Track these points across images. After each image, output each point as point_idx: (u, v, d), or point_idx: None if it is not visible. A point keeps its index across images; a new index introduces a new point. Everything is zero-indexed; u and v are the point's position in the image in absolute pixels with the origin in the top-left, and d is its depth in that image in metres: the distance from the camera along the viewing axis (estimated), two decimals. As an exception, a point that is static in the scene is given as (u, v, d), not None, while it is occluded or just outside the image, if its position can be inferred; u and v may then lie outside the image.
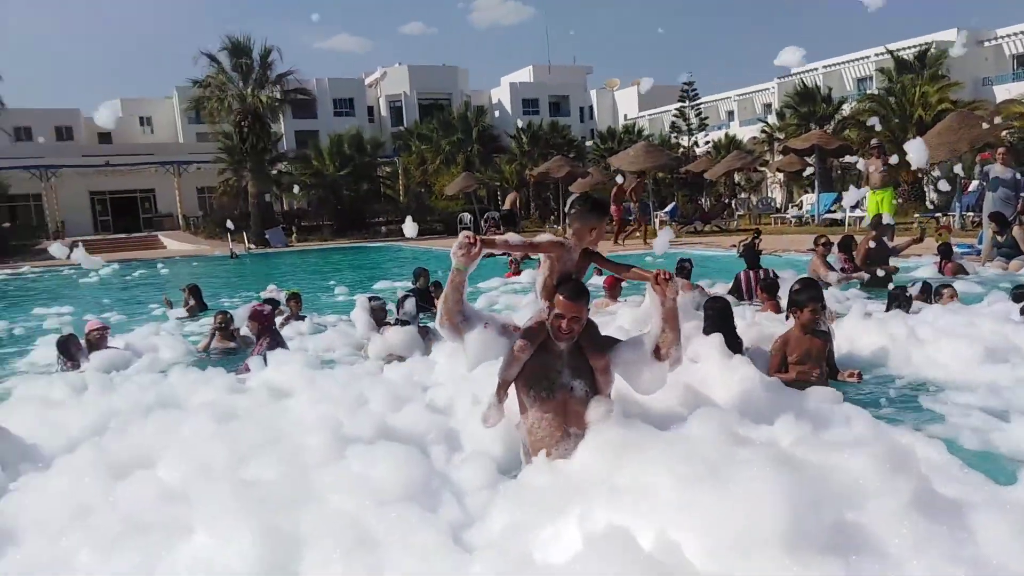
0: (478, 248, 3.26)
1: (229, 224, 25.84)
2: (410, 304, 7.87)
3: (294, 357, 6.07)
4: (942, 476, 2.96)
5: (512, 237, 3.58)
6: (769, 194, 36.36)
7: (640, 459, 2.85)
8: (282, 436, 3.86)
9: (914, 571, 2.31)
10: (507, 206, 29.21)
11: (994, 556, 2.36)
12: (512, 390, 3.57)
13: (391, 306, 8.52)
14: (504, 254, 3.57)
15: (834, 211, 21.70)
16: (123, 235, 37.59)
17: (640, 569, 2.23)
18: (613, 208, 19.92)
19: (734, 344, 5.41)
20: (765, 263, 9.92)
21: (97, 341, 7.38)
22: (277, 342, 6.93)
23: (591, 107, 59.83)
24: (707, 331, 5.47)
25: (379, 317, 7.71)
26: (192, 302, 11.39)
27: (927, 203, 23.43)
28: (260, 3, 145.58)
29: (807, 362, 5.31)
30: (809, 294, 5.52)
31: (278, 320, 8.33)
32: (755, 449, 2.84)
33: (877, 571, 2.30)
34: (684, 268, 8.93)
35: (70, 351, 7.08)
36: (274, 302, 9.22)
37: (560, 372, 3.43)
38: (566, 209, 3.71)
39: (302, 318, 8.98)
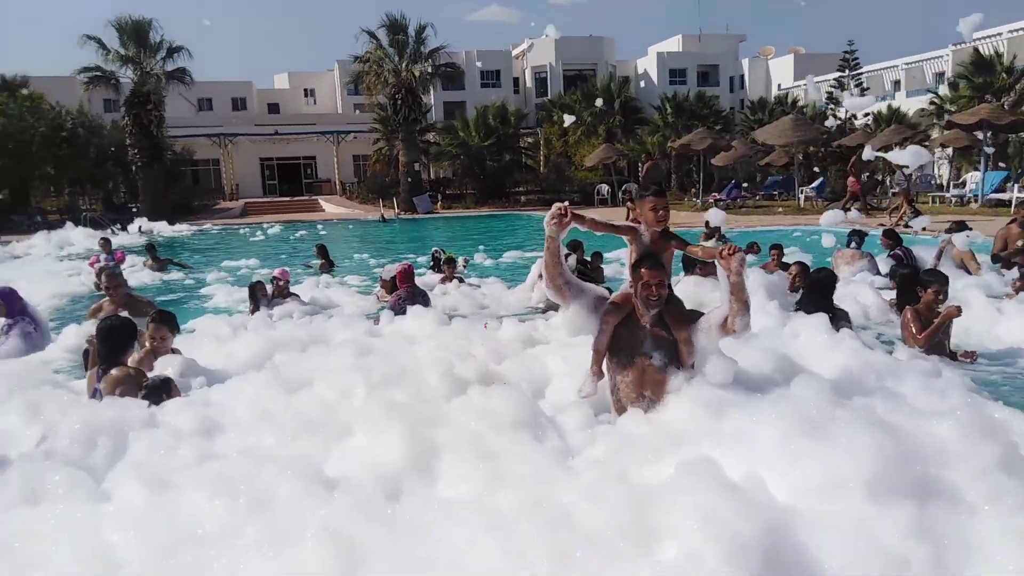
0: (568, 219, 3.73)
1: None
2: (571, 260, 8.54)
3: (426, 312, 6.87)
4: None
5: (598, 218, 4.09)
6: (936, 170, 33.71)
7: (739, 411, 3.18)
8: (408, 372, 4.58)
9: (986, 520, 2.54)
10: (644, 174, 29.13)
11: None
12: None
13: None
14: (589, 230, 4.00)
15: (1002, 191, 20.03)
16: (287, 198, 40.93)
17: (727, 496, 2.51)
18: (851, 180, 19.43)
19: (837, 318, 5.65)
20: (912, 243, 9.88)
21: (282, 288, 8.58)
22: (415, 297, 7.73)
23: (742, 77, 57.42)
24: (802, 304, 5.74)
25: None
26: (321, 260, 12.78)
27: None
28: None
29: (937, 335, 5.60)
30: (935, 276, 5.94)
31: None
32: (850, 409, 3.09)
33: (951, 519, 2.55)
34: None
35: (256, 296, 8.26)
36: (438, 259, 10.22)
37: (642, 342, 3.82)
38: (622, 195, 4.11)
39: (459, 278, 9.87)
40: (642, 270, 3.78)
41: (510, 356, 5.05)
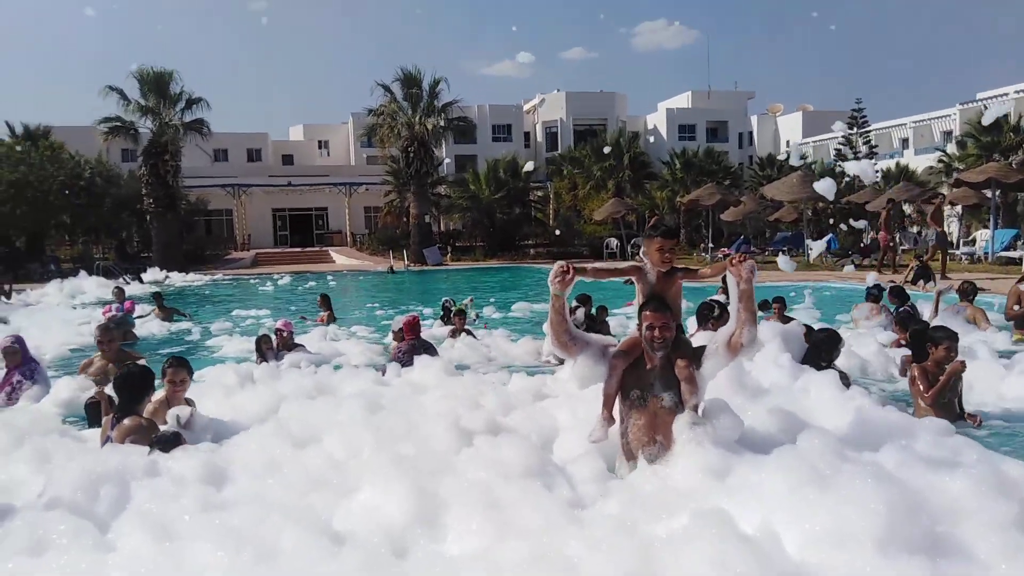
0: (571, 275, 3.77)
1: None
2: (580, 313, 8.54)
3: (433, 361, 6.85)
4: None
5: (599, 264, 4.12)
6: (946, 228, 33.78)
7: (749, 464, 3.16)
8: (416, 424, 4.56)
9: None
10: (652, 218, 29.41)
11: None
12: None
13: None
14: (594, 280, 4.05)
15: (1012, 249, 20.02)
16: (298, 248, 41.33)
17: (739, 547, 2.49)
18: (883, 234, 19.44)
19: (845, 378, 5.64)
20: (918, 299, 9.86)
21: (286, 339, 8.59)
22: (420, 349, 7.70)
23: (751, 133, 58.25)
24: (807, 359, 5.71)
25: None
26: (324, 311, 12.79)
27: None
28: (432, 34, 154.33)
29: (946, 394, 5.51)
30: (946, 333, 5.84)
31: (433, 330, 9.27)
32: (860, 463, 3.08)
33: (963, 573, 2.50)
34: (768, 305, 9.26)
35: (262, 350, 8.28)
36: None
37: (652, 384, 3.83)
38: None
39: (468, 330, 9.87)
40: (646, 312, 3.82)
41: (518, 408, 5.02)
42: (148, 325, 12.79)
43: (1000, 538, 2.62)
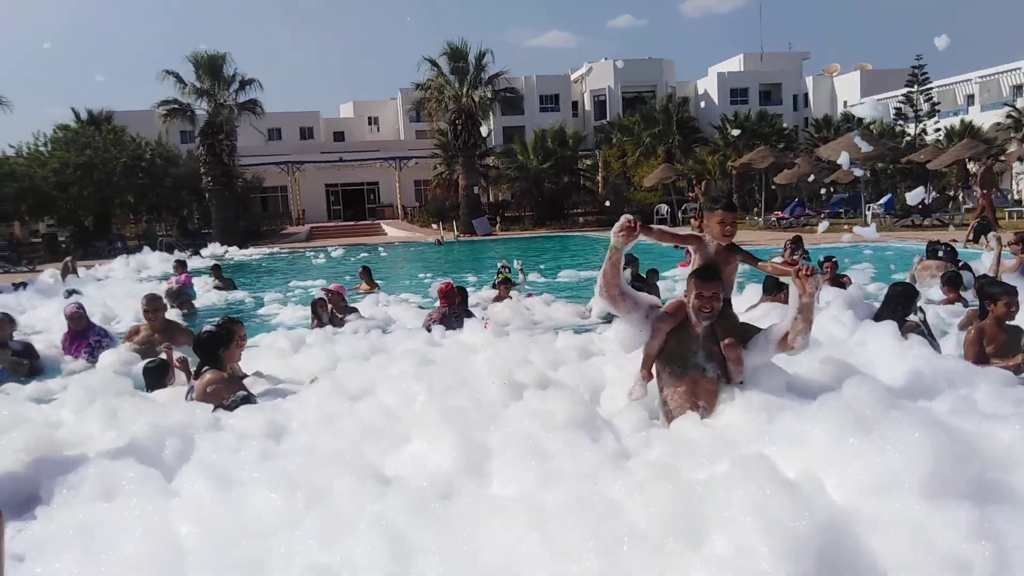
0: (636, 231, 3.77)
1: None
2: (627, 273, 8.56)
3: (479, 323, 6.97)
4: None
5: (665, 229, 4.10)
6: (1015, 185, 32.31)
7: (794, 412, 3.15)
8: (466, 379, 4.66)
9: None
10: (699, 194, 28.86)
11: None
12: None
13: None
14: (655, 241, 4.05)
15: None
16: (351, 222, 42.00)
17: (780, 492, 2.49)
18: (980, 192, 18.66)
19: (908, 328, 5.49)
20: (969, 256, 9.49)
21: (339, 303, 8.84)
22: (451, 317, 7.77)
23: (806, 95, 56.39)
24: (880, 315, 5.58)
25: None
26: (365, 282, 13.00)
27: None
28: (479, 7, 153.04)
29: (1007, 355, 5.29)
30: (1004, 287, 5.59)
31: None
32: (908, 410, 3.03)
33: (1009, 524, 2.45)
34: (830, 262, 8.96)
35: (318, 312, 8.53)
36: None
37: (695, 352, 3.80)
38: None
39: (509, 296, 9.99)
40: (696, 280, 3.79)
41: (566, 364, 5.07)
42: (208, 296, 13.24)
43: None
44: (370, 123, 58.71)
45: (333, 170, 45.51)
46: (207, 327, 5.69)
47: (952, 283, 7.98)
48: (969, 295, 8.27)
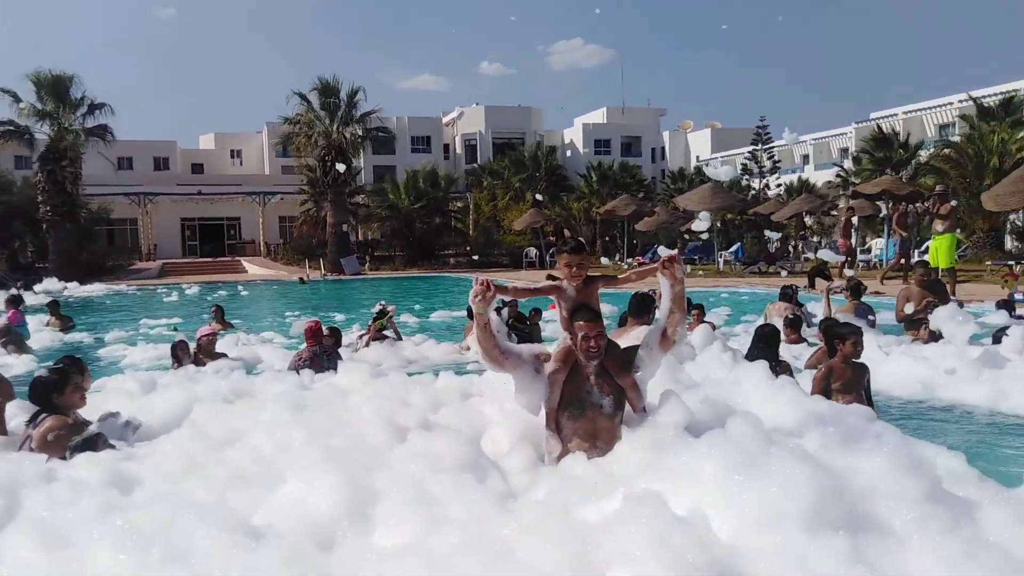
0: (492, 292, 3.73)
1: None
2: (504, 313, 8.52)
3: (357, 365, 6.68)
4: (958, 481, 3.23)
5: (519, 284, 4.13)
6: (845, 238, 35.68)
7: (679, 450, 3.18)
8: (346, 422, 4.42)
9: (915, 545, 2.59)
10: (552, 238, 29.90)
11: (994, 540, 2.64)
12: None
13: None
14: (514, 299, 4.02)
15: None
16: (208, 259, 39.82)
17: (676, 527, 2.48)
18: (841, 241, 19.47)
19: (780, 368, 5.79)
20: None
21: (207, 345, 8.21)
22: (321, 358, 7.41)
23: (663, 148, 60.07)
24: (751, 355, 5.82)
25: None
26: (217, 323, 12.31)
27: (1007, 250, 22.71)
28: (349, 46, 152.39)
29: (851, 391, 5.66)
30: (851, 328, 6.00)
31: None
32: (787, 447, 3.12)
33: (883, 547, 2.58)
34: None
35: (177, 355, 7.89)
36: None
37: (589, 393, 3.80)
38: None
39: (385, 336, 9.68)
40: (580, 323, 3.79)
41: (447, 404, 4.94)
42: (41, 336, 12.00)
43: (913, 512, 2.72)
44: (233, 156, 56.41)
45: (190, 203, 43.20)
46: (41, 370, 5.11)
47: (794, 325, 8.64)
48: (810, 334, 8.97)
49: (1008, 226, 26.79)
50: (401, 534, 2.85)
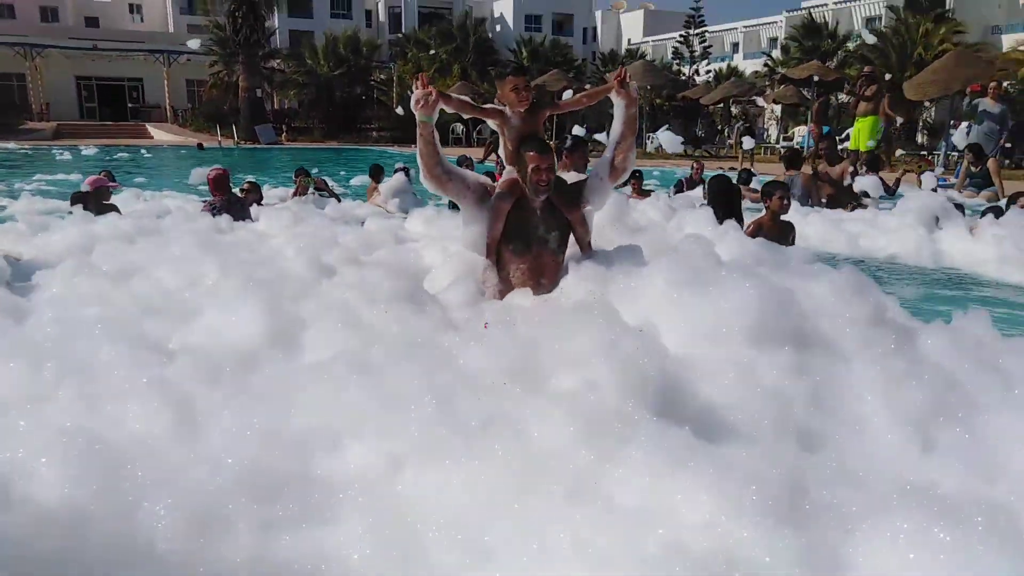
0: (435, 98, 3.48)
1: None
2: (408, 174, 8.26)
3: (278, 212, 6.29)
4: (895, 311, 3.24)
5: (465, 99, 3.85)
6: (765, 127, 36.19)
7: (628, 274, 3.09)
8: (267, 259, 4.13)
9: (857, 364, 2.60)
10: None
11: (934, 362, 2.69)
12: None
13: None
14: (455, 113, 3.71)
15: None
16: (109, 122, 36.99)
17: (621, 336, 2.40)
18: (812, 127, 18.94)
19: (738, 219, 5.81)
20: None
21: (97, 195, 7.53)
22: (231, 207, 6.89)
23: (595, 28, 58.37)
24: (710, 203, 5.79)
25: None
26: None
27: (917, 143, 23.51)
28: None
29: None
30: (778, 185, 6.11)
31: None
32: (734, 266, 3.08)
33: (826, 363, 2.60)
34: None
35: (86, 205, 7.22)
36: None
37: (536, 227, 3.62)
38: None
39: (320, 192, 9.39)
40: (530, 154, 3.53)
41: (382, 247, 4.69)
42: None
43: (858, 332, 2.73)
44: (132, 11, 51.38)
45: (86, 60, 39.49)
46: None
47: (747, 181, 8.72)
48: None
49: (920, 123, 27.64)
50: (331, 353, 2.66)
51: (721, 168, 15.10)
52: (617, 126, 3.62)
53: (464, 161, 10.03)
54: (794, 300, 2.72)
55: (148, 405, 2.08)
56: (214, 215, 6.44)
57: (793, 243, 5.99)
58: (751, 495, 1.84)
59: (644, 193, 9.41)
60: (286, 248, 4.42)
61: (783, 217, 6.00)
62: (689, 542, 1.73)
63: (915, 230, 6.88)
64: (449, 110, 3.68)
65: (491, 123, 3.79)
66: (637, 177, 9.83)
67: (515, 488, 1.92)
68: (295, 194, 9.10)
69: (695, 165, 12.14)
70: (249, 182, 8.22)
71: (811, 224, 7.37)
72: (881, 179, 10.58)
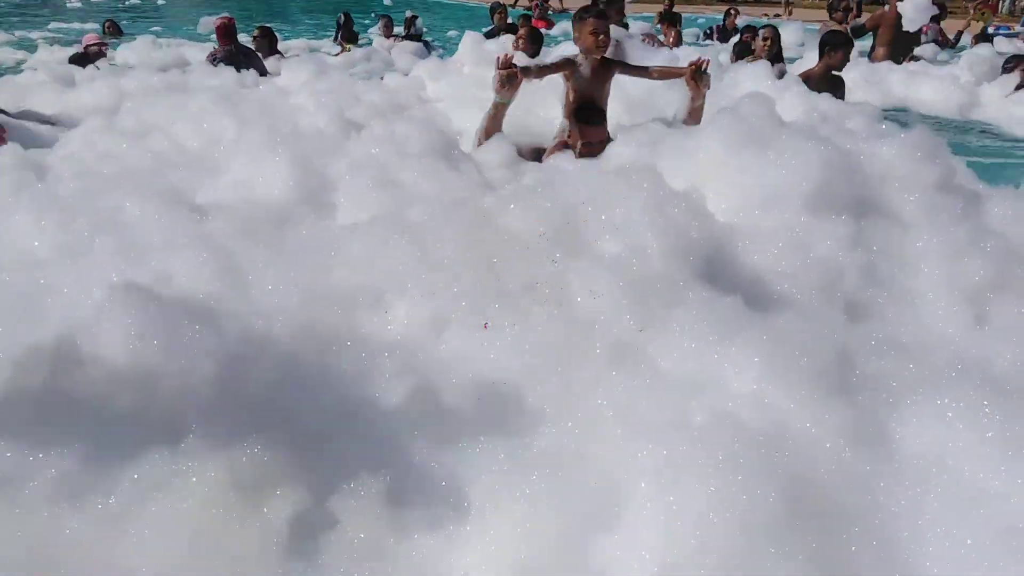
0: (519, 79, 3.32)
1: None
2: (419, 23, 7.85)
3: (301, 63, 6.05)
4: (964, 174, 3.01)
5: (544, 63, 3.64)
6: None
7: (681, 134, 2.92)
8: (290, 113, 3.99)
9: (920, 234, 2.47)
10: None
11: (996, 224, 2.55)
12: None
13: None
14: (537, 77, 3.47)
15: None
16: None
17: (674, 197, 2.30)
18: None
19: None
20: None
21: (95, 55, 7.30)
22: (237, 57, 6.48)
23: None
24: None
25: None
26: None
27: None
28: None
29: None
30: (844, 38, 5.70)
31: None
32: (796, 128, 2.86)
33: (886, 232, 2.47)
34: None
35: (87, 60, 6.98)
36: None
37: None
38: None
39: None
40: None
41: (409, 107, 4.50)
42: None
43: (923, 199, 2.55)
44: None
45: None
46: None
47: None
48: None
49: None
50: (366, 212, 2.58)
51: (766, 15, 14.16)
52: (682, 113, 3.50)
53: (497, 9, 9.33)
54: (858, 164, 2.55)
55: (192, 261, 2.04)
56: (214, 66, 6.18)
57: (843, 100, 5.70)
58: (800, 366, 1.80)
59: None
60: (306, 103, 4.26)
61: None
62: (736, 412, 1.70)
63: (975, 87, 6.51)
64: (532, 80, 3.45)
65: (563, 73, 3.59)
66: (673, 20, 9.11)
67: (557, 352, 1.89)
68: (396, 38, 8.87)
69: (733, 11, 11.18)
70: (260, 27, 7.74)
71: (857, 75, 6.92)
72: (940, 30, 9.82)
